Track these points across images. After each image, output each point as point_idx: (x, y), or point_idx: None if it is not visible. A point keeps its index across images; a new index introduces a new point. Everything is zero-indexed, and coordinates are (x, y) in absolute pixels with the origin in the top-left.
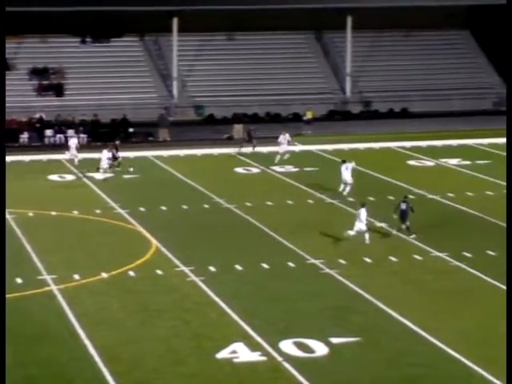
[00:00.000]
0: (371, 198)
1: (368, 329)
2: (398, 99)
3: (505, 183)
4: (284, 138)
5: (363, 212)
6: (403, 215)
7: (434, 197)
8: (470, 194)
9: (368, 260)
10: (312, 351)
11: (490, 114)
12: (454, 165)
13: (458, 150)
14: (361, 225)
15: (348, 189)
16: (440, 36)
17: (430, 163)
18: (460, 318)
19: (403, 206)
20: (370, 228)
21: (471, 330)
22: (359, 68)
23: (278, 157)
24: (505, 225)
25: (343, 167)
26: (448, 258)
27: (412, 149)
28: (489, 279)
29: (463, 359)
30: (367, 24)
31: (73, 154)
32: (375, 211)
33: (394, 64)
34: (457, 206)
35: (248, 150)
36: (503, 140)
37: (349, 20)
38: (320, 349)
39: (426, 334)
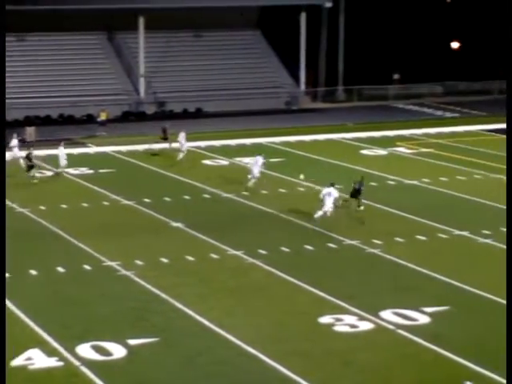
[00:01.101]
0: (167, 199)
1: (166, 329)
2: (192, 99)
3: (298, 180)
4: (183, 136)
5: (333, 191)
6: (356, 193)
7: (229, 195)
8: (263, 191)
9: (165, 260)
10: (110, 354)
11: (282, 113)
12: (248, 163)
13: (252, 149)
14: (329, 203)
15: (252, 181)
16: (232, 36)
17: (224, 162)
18: (256, 315)
19: (358, 186)
20: (337, 206)
21: (266, 326)
22: (153, 69)
23: (181, 155)
24: (298, 221)
25: (254, 160)
26: (244, 256)
27: (207, 148)
28: (284, 275)
29: (259, 355)
30: (159, 25)
31: None
32: (171, 212)
33: (187, 64)
34: (251, 204)
35: (165, 146)
36: (296, 138)
37: (141, 21)
38: (118, 351)
39: (223, 332)
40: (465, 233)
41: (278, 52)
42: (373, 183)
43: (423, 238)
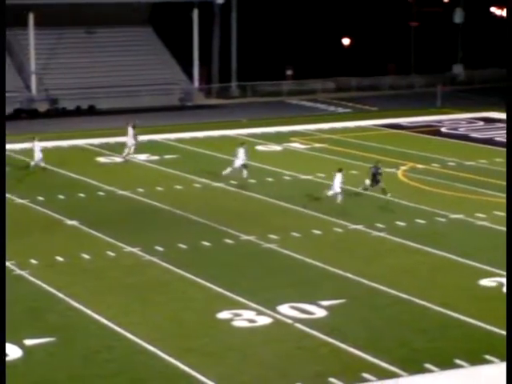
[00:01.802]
0: (61, 197)
1: (63, 328)
2: (84, 96)
3: (193, 177)
4: (131, 130)
5: (338, 176)
6: (376, 178)
7: (125, 192)
8: (159, 188)
9: (60, 258)
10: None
11: (176, 110)
12: (144, 160)
13: (147, 146)
14: (336, 187)
15: (244, 173)
16: (123, 32)
17: (118, 159)
18: (154, 312)
19: (374, 170)
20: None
21: (165, 323)
22: (44, 65)
23: (127, 150)
24: (195, 217)
25: (236, 151)
26: (140, 253)
27: (101, 146)
28: (181, 272)
29: (159, 352)
30: (50, 21)
31: None
32: (66, 210)
33: (78, 61)
34: (147, 200)
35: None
36: (190, 134)
37: (31, 17)
38: (14, 352)
39: (121, 330)
40: (360, 226)
41: (170, 48)
42: (268, 179)
43: (318, 232)
